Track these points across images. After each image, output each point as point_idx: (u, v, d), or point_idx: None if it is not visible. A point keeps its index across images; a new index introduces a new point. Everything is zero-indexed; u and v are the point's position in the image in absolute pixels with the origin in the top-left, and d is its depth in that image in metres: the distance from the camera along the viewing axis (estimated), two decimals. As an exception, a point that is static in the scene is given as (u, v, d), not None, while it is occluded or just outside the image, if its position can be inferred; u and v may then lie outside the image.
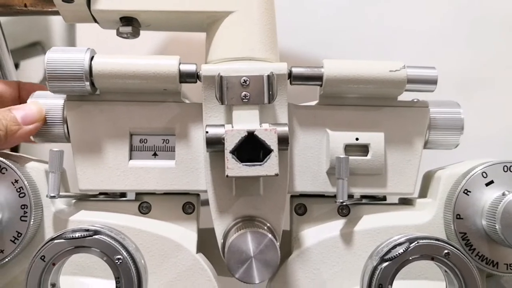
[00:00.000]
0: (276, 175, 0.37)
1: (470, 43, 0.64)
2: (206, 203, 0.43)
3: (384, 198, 0.46)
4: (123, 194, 0.45)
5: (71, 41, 0.66)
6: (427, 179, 0.45)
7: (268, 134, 0.37)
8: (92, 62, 0.41)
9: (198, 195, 0.44)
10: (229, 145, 0.37)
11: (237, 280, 0.37)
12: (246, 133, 0.37)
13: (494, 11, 0.65)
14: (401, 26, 0.64)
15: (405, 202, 0.46)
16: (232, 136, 0.37)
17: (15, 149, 0.62)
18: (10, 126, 0.41)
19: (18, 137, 0.41)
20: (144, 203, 0.43)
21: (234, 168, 0.36)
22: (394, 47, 0.64)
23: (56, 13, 0.45)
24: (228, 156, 0.37)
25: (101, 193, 0.45)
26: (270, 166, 0.37)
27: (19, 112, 0.41)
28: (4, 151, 0.42)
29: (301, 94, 0.46)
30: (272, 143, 0.37)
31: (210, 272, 0.41)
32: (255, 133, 0.37)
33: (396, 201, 0.47)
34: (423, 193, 0.46)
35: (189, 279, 0.41)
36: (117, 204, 0.43)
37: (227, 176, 0.37)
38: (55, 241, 0.36)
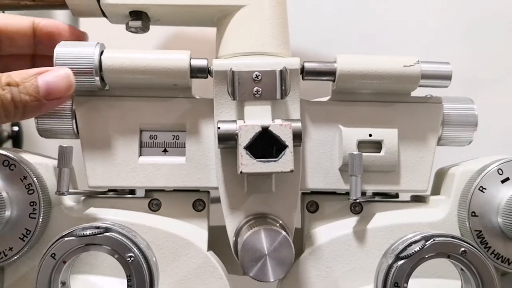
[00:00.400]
0: (291, 171, 0.36)
1: (472, 41, 0.64)
2: (215, 200, 0.42)
3: (397, 195, 0.45)
4: (132, 191, 0.45)
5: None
6: (440, 176, 0.45)
7: (283, 130, 0.36)
8: (102, 56, 0.40)
9: (208, 192, 0.44)
10: (243, 140, 0.36)
11: (251, 278, 0.36)
12: (260, 129, 0.36)
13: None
14: (407, 24, 0.64)
15: (418, 199, 0.45)
16: (246, 132, 0.36)
17: (18, 144, 0.61)
18: (30, 102, 0.37)
19: (35, 113, 0.38)
20: (154, 200, 0.43)
21: (249, 164, 0.36)
22: (401, 45, 0.64)
23: (64, 6, 0.44)
24: (242, 152, 0.36)
25: (110, 190, 0.44)
26: (285, 163, 0.36)
27: (44, 82, 0.37)
28: (13, 148, 0.42)
29: (312, 91, 0.45)
30: (287, 138, 0.36)
31: (221, 270, 0.41)
32: (269, 128, 0.36)
33: (408, 199, 0.46)
34: (436, 191, 0.45)
35: (199, 277, 0.40)
36: (127, 201, 0.43)
37: (240, 172, 0.36)
38: (66, 238, 0.35)
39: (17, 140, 0.62)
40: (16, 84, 0.37)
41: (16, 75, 0.38)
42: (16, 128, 0.62)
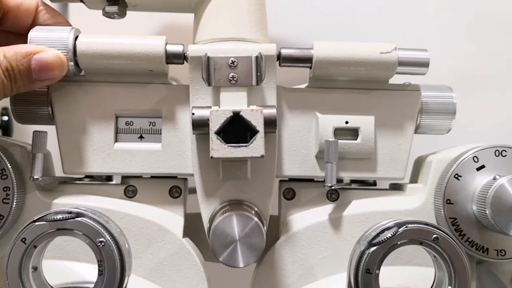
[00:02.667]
0: (262, 156, 0.36)
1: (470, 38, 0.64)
2: (194, 191, 0.42)
3: (374, 183, 0.45)
4: (109, 178, 0.45)
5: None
6: (418, 164, 0.45)
7: (254, 115, 0.36)
8: (76, 41, 0.40)
9: (185, 179, 0.43)
10: (214, 125, 0.36)
11: (222, 264, 0.36)
12: (231, 114, 0.36)
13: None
14: (396, 18, 0.63)
15: (396, 187, 0.45)
16: (217, 117, 0.36)
17: (8, 134, 0.61)
18: (23, 85, 0.38)
19: (25, 91, 0.39)
20: (130, 186, 0.42)
21: (219, 149, 0.36)
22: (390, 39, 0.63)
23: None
24: (213, 137, 0.36)
25: (86, 176, 0.44)
26: (255, 148, 0.36)
27: (37, 65, 0.38)
28: None
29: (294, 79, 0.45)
30: (258, 124, 0.36)
31: (196, 257, 0.41)
32: (240, 113, 0.36)
33: (387, 187, 0.46)
34: (414, 179, 0.45)
35: (175, 264, 0.40)
36: (103, 188, 0.42)
37: (211, 157, 0.36)
38: (37, 223, 0.35)
39: (6, 129, 0.61)
40: (11, 68, 0.37)
41: (10, 56, 0.37)
42: (5, 118, 0.62)
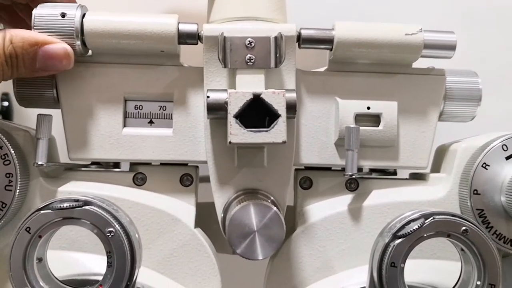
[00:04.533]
0: (284, 142, 0.34)
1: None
2: (205, 180, 0.40)
3: (395, 173, 0.43)
4: (116, 164, 0.43)
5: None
6: (441, 153, 0.43)
7: (276, 98, 0.34)
8: (84, 19, 0.38)
9: (197, 167, 0.41)
10: (233, 108, 0.34)
11: (239, 256, 0.34)
12: (251, 96, 0.34)
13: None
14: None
15: (417, 177, 0.43)
16: (236, 99, 0.34)
17: (8, 119, 0.59)
18: (25, 72, 0.37)
19: (25, 76, 0.38)
20: (139, 174, 0.40)
21: (238, 134, 0.34)
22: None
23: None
24: (232, 121, 0.34)
25: (93, 163, 0.42)
26: (277, 133, 0.34)
27: (43, 57, 0.37)
28: None
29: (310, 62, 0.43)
30: (280, 107, 0.34)
31: (208, 248, 0.39)
32: (261, 96, 0.34)
33: (407, 177, 0.44)
34: (436, 168, 0.43)
35: (186, 255, 0.39)
36: (110, 175, 0.40)
37: (229, 143, 0.34)
38: (42, 211, 0.33)
39: (7, 115, 0.60)
40: (16, 55, 0.36)
41: (17, 43, 0.36)
42: (6, 103, 0.60)
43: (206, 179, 0.40)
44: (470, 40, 0.59)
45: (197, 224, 0.40)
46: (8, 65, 0.36)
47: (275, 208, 0.34)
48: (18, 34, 0.36)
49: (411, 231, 0.34)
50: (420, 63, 0.41)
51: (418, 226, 0.34)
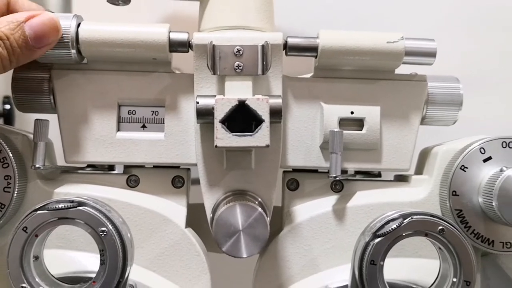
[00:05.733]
0: (267, 146, 0.36)
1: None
2: (196, 182, 0.42)
3: (379, 175, 0.45)
4: (111, 167, 0.44)
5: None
6: (424, 155, 0.44)
7: (260, 104, 0.36)
8: (79, 29, 0.39)
9: (188, 169, 0.43)
10: (219, 114, 0.35)
11: (225, 254, 0.36)
12: (237, 102, 0.36)
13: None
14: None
15: (401, 179, 0.45)
16: (222, 105, 0.36)
17: (10, 122, 0.60)
18: (22, 54, 0.37)
19: (28, 61, 0.38)
20: (132, 176, 0.42)
21: (224, 138, 0.35)
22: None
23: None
24: (218, 126, 0.35)
25: (88, 166, 0.44)
26: (261, 137, 0.35)
27: (32, 31, 0.36)
28: None
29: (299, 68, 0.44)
30: (264, 113, 0.36)
31: (199, 247, 0.40)
32: (246, 102, 0.36)
33: (391, 178, 0.46)
34: (419, 170, 0.45)
35: (177, 254, 0.40)
36: (105, 177, 0.42)
37: (216, 146, 0.35)
38: (38, 211, 0.35)
39: (8, 118, 0.61)
40: (6, 37, 0.36)
41: (3, 26, 0.36)
42: (7, 106, 0.61)
43: (198, 181, 0.41)
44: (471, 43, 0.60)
45: (189, 224, 0.42)
46: (3, 49, 0.36)
47: (260, 209, 0.35)
48: (2, 20, 0.37)
49: (390, 230, 0.35)
50: (405, 70, 0.42)
51: (397, 225, 0.35)
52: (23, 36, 0.37)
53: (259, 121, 0.36)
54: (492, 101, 0.62)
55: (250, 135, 0.35)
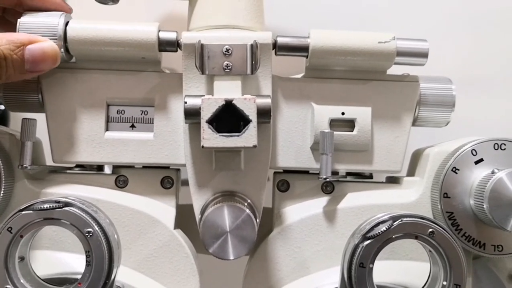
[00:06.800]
0: (254, 146, 0.35)
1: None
2: (187, 183, 0.41)
3: (370, 176, 0.44)
4: (100, 167, 0.44)
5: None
6: (416, 157, 0.44)
7: (247, 104, 0.35)
8: (67, 27, 0.39)
9: (178, 169, 0.43)
10: (206, 114, 0.35)
11: (213, 256, 0.35)
12: (223, 102, 0.35)
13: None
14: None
15: (392, 181, 0.44)
16: (209, 105, 0.35)
17: (4, 124, 0.60)
18: (14, 75, 0.37)
19: (13, 80, 0.38)
20: (121, 176, 0.42)
21: (210, 138, 0.35)
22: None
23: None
24: (204, 126, 0.35)
25: (77, 166, 0.43)
26: (248, 138, 0.35)
27: (31, 57, 0.37)
28: None
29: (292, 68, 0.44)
30: (251, 113, 0.35)
31: (188, 249, 0.40)
32: (233, 102, 0.35)
33: (383, 180, 0.46)
34: (411, 172, 0.44)
35: (165, 255, 0.40)
36: (93, 177, 0.42)
37: (202, 147, 0.35)
38: (23, 212, 0.34)
39: (2, 119, 0.60)
40: (4, 57, 0.36)
41: (4, 44, 0.36)
42: (2, 107, 0.61)
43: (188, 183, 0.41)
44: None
45: (179, 225, 0.41)
46: None
47: (248, 210, 0.35)
48: (3, 37, 0.37)
49: (379, 232, 0.35)
50: (397, 70, 0.42)
51: (387, 227, 0.35)
52: (21, 58, 0.37)
53: (246, 121, 0.35)
54: (485, 102, 0.62)
55: (237, 136, 0.35)
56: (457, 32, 0.62)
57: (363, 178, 0.44)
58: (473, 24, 0.62)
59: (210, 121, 0.35)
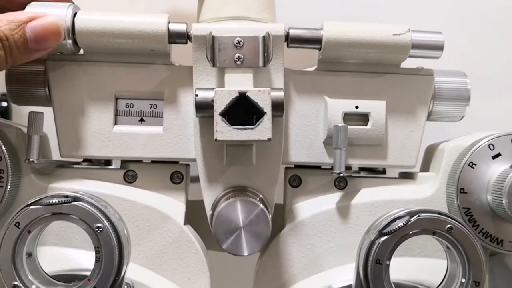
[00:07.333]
0: (269, 140, 0.34)
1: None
2: (196, 180, 0.40)
3: (384, 171, 0.43)
4: (108, 162, 0.43)
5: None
6: (430, 152, 0.43)
7: (261, 96, 0.34)
8: (75, 18, 0.38)
9: (187, 164, 0.42)
10: (219, 106, 0.34)
11: (226, 252, 0.35)
12: (237, 94, 0.34)
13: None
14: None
15: (406, 176, 0.44)
16: (222, 97, 0.34)
17: (7, 116, 0.59)
18: (20, 55, 0.35)
19: (24, 61, 0.37)
20: (129, 171, 0.41)
21: (224, 131, 0.34)
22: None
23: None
24: (218, 119, 0.34)
25: (84, 160, 0.42)
26: (262, 130, 0.34)
27: (33, 34, 0.35)
28: None
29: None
30: (266, 105, 0.34)
31: (198, 245, 0.39)
32: (247, 94, 0.34)
33: (396, 175, 0.45)
34: (425, 167, 0.43)
35: (175, 251, 0.39)
36: (101, 172, 0.41)
37: (216, 140, 0.34)
38: (31, 207, 0.33)
39: (5, 115, 0.60)
40: (6, 38, 0.35)
41: (4, 25, 0.35)
42: (4, 104, 0.60)
43: (198, 179, 0.40)
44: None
45: (188, 221, 0.41)
46: (1, 49, 0.35)
47: (261, 205, 0.34)
48: (3, 18, 0.36)
49: (396, 228, 0.34)
50: (411, 64, 0.41)
51: (404, 223, 0.34)
52: (23, 37, 0.36)
53: (260, 113, 0.35)
54: (501, 98, 0.61)
55: (251, 128, 0.34)
56: (466, 27, 0.61)
57: (376, 173, 0.43)
58: (483, 19, 0.61)
59: (222, 114, 0.34)
